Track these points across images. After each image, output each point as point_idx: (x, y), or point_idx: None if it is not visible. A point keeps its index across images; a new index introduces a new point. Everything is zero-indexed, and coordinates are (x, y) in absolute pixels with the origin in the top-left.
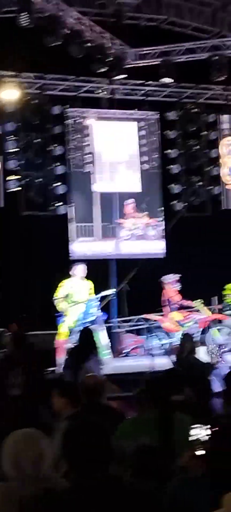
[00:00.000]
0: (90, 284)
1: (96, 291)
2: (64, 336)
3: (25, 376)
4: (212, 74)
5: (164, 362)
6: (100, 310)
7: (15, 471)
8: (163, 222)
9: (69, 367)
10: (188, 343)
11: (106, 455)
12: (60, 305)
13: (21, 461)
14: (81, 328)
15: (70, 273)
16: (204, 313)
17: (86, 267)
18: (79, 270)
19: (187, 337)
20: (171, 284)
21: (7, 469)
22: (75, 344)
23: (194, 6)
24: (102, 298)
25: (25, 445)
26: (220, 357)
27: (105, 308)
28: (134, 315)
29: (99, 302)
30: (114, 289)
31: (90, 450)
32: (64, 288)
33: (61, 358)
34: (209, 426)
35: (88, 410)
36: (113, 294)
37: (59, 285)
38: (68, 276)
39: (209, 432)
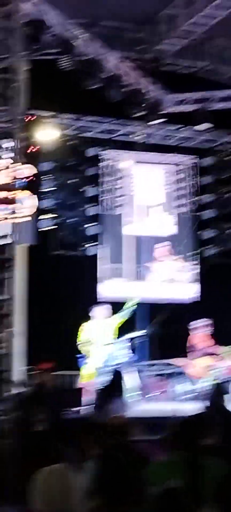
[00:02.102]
0: (112, 322)
1: (125, 333)
2: (88, 378)
3: (50, 414)
4: None
5: (190, 408)
6: (130, 352)
7: (45, 506)
8: (196, 266)
9: (96, 407)
10: (220, 391)
11: (138, 493)
12: (83, 349)
13: (51, 496)
14: (107, 369)
15: (91, 315)
16: (230, 361)
17: (109, 307)
18: (99, 312)
19: (219, 386)
20: (199, 329)
21: (37, 504)
22: (102, 385)
23: None
24: (131, 339)
25: (55, 480)
26: None
27: (133, 351)
28: (162, 359)
29: (128, 344)
30: (143, 331)
31: (124, 488)
32: (84, 332)
33: (85, 399)
34: None
35: (115, 450)
36: (142, 336)
37: (80, 329)
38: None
39: None
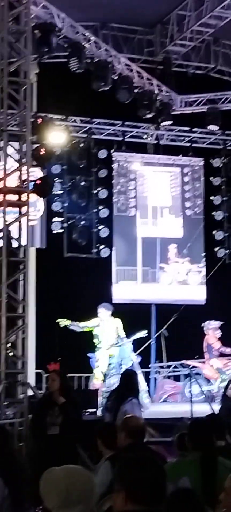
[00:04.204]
0: (117, 322)
1: (133, 334)
2: (100, 380)
3: (64, 416)
4: None
5: (203, 409)
6: (135, 354)
7: (64, 507)
8: (205, 269)
9: (109, 409)
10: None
11: (162, 492)
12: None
13: (70, 493)
14: (116, 371)
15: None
16: None
17: (111, 307)
18: (103, 312)
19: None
20: (213, 330)
21: (53, 504)
22: (115, 386)
23: None
24: (136, 341)
25: (76, 478)
26: None
27: (143, 353)
28: (172, 360)
29: (132, 345)
30: (146, 331)
31: (150, 485)
32: (90, 326)
33: (99, 400)
34: None
35: (131, 451)
36: (153, 337)
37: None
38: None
39: None
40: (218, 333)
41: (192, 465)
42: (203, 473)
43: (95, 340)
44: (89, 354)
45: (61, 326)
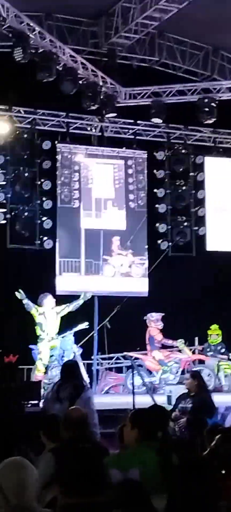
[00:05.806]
0: (57, 309)
1: (76, 325)
2: (42, 372)
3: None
4: (201, 117)
5: (145, 400)
6: (77, 346)
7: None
8: (147, 261)
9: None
10: (199, 380)
11: (100, 483)
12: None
13: (5, 489)
14: (57, 363)
15: (39, 303)
16: (186, 353)
17: (53, 298)
18: (48, 301)
19: (195, 374)
20: (155, 322)
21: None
22: (56, 379)
23: (186, 49)
24: (79, 332)
25: (9, 473)
26: None
27: (86, 345)
28: (115, 352)
29: (74, 337)
30: (87, 323)
31: (85, 477)
32: (38, 310)
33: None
34: None
35: (74, 443)
36: (89, 328)
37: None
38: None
39: None
40: (160, 325)
41: (145, 454)
42: (159, 462)
43: (38, 330)
44: (31, 346)
45: (18, 297)
